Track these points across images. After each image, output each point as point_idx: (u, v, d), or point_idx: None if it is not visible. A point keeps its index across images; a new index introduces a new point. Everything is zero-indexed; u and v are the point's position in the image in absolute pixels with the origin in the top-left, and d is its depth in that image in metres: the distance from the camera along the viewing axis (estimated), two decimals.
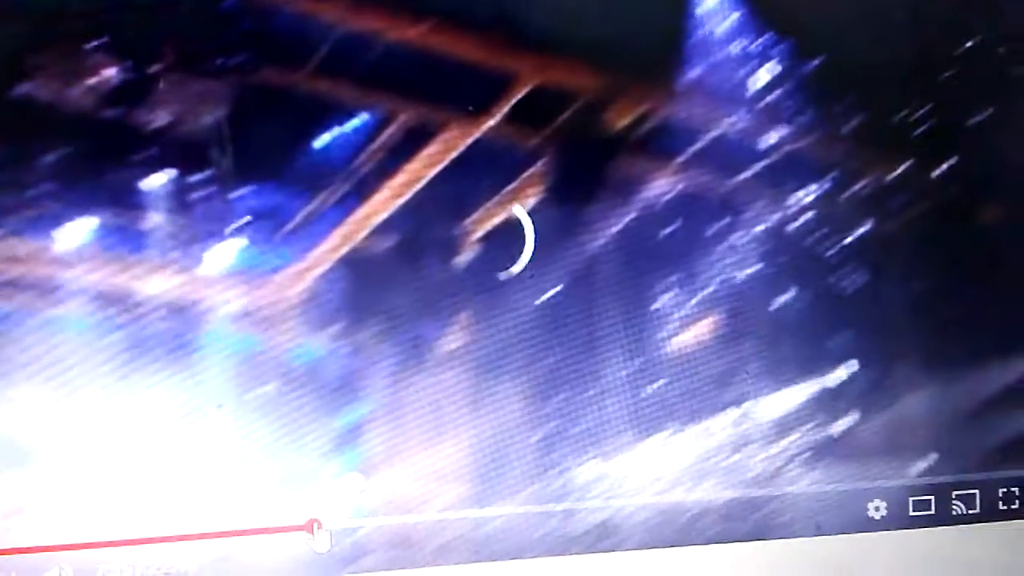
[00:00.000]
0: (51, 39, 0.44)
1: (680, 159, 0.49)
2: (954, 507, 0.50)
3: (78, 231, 0.45)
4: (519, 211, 0.47)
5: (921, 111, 0.50)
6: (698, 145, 0.49)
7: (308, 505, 0.46)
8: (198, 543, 0.46)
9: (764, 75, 0.49)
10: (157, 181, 0.45)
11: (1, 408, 0.44)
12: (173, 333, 0.45)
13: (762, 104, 0.49)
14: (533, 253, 0.48)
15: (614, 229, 0.48)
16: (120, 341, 0.45)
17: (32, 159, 0.44)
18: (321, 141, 0.46)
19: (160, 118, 0.45)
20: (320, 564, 0.46)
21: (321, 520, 0.46)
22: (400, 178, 0.47)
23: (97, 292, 0.45)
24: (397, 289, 0.47)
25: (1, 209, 0.44)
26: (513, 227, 0.48)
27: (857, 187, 0.50)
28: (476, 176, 0.48)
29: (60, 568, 0.45)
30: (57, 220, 0.44)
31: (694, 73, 0.49)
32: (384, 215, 0.47)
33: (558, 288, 0.48)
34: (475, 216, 0.48)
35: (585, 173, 0.48)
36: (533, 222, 0.48)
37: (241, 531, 0.46)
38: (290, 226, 0.46)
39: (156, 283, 0.45)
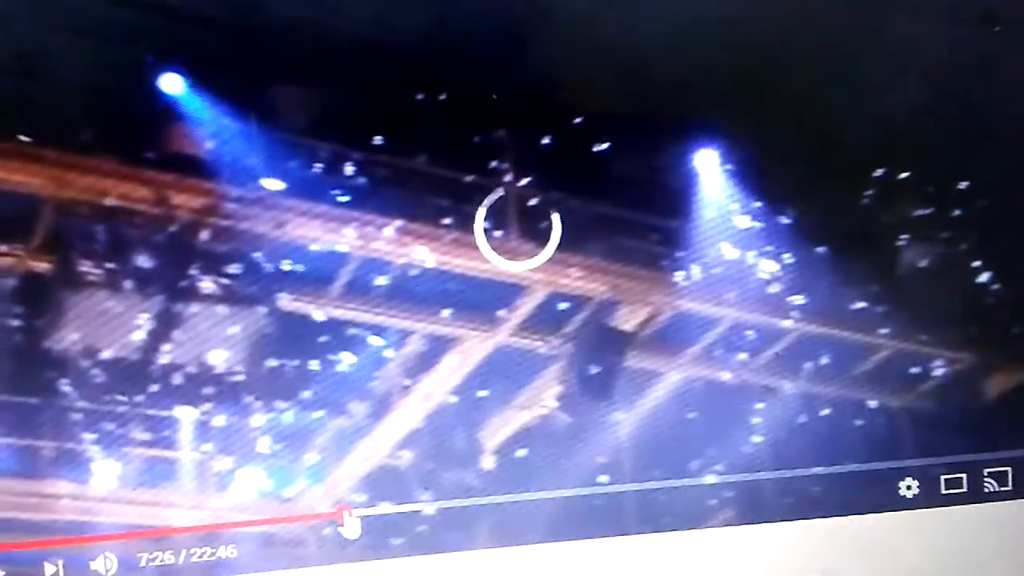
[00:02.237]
0: None
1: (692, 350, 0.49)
2: (986, 484, 0.50)
3: None
4: None
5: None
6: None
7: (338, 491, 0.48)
8: (238, 531, 0.47)
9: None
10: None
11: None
12: None
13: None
14: None
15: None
16: None
17: None
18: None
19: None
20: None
21: (351, 508, 0.48)
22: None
23: None
24: None
25: None
26: None
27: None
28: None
29: (105, 556, 0.47)
30: None
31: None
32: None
33: None
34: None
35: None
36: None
37: (275, 518, 0.47)
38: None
39: None
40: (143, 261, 0.46)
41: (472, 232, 0.48)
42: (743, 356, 0.50)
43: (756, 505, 0.50)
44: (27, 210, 0.45)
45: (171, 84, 0.46)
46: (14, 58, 0.45)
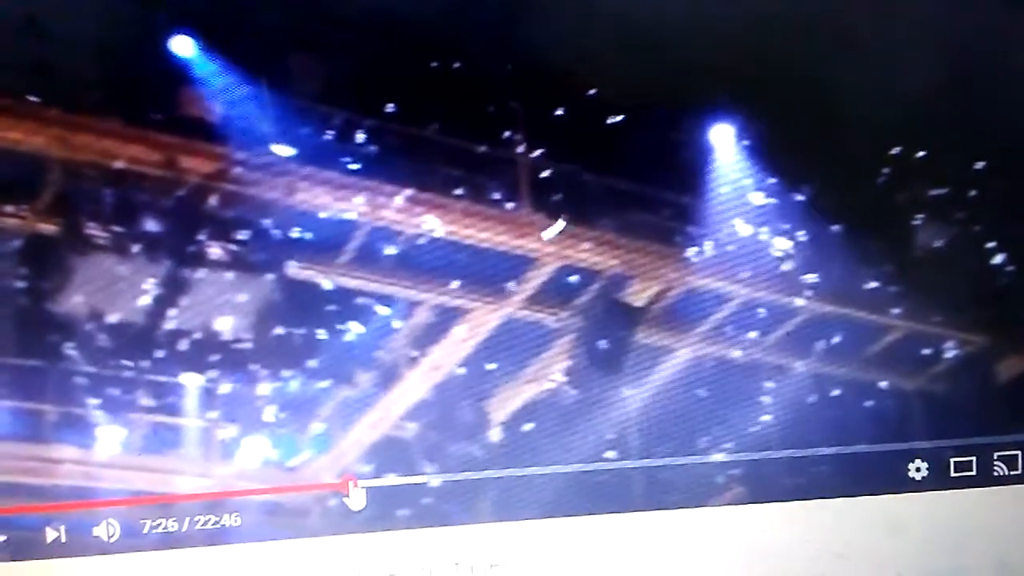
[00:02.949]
0: None
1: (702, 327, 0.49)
2: (996, 468, 0.49)
3: None
4: None
5: None
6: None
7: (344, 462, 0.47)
8: (243, 500, 0.47)
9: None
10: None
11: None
12: None
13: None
14: None
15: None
16: None
17: None
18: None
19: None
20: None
21: (356, 479, 0.47)
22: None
23: None
24: None
25: None
26: None
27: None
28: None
29: (108, 522, 0.46)
30: None
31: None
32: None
33: None
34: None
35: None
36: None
37: (280, 487, 0.47)
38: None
39: None
40: (150, 225, 0.46)
41: (483, 203, 0.47)
42: (754, 334, 0.49)
43: (765, 484, 0.49)
44: (35, 171, 0.45)
45: (182, 46, 0.45)
46: (24, 19, 0.44)
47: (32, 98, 0.44)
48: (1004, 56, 0.49)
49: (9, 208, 0.45)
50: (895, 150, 0.49)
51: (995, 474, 0.49)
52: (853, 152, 0.49)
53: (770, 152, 0.48)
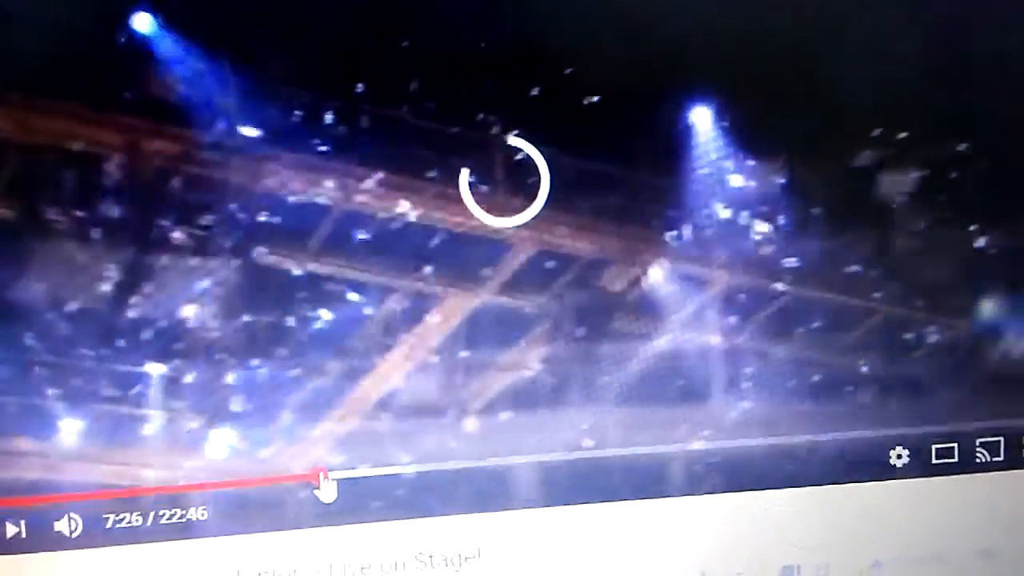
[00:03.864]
0: None
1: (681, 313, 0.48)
2: (978, 455, 0.49)
3: None
4: None
5: None
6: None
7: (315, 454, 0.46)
8: (209, 492, 0.46)
9: None
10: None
11: None
12: None
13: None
14: None
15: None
16: None
17: None
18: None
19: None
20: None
21: (327, 470, 0.46)
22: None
23: None
24: None
25: None
26: None
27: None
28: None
29: (70, 517, 0.45)
30: None
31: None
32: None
33: None
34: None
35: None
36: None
37: (248, 480, 0.46)
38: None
39: None
40: (110, 210, 0.44)
41: (457, 186, 0.46)
42: (732, 320, 0.48)
43: (743, 472, 0.48)
44: None
45: (142, 24, 0.43)
46: None
47: None
48: (986, 35, 0.49)
49: None
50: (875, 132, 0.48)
51: (977, 461, 0.49)
52: (834, 133, 0.48)
53: (750, 134, 0.47)
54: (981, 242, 0.49)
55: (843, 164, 0.48)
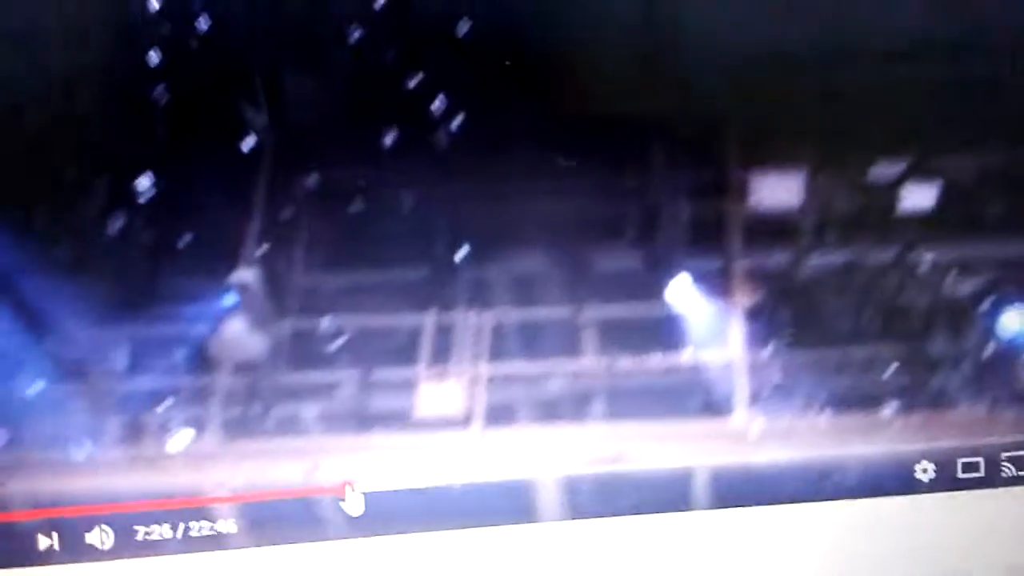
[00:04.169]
0: None
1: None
2: (1004, 469, 0.49)
3: None
4: None
5: None
6: None
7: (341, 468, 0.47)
8: (236, 506, 0.46)
9: None
10: None
11: None
12: None
13: None
14: None
15: None
16: None
17: None
18: None
19: None
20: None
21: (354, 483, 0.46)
22: None
23: None
24: None
25: None
26: None
27: None
28: None
29: (100, 528, 0.45)
30: None
31: None
32: None
33: None
34: None
35: None
36: None
37: (277, 492, 0.46)
38: None
39: None
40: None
41: None
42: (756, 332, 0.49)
43: (766, 486, 0.48)
44: None
45: None
46: None
47: None
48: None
49: None
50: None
51: (1003, 475, 0.49)
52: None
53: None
54: (1004, 254, 0.49)
55: (862, 180, 0.48)
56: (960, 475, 0.49)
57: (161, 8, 0.44)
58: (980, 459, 0.49)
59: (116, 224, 0.45)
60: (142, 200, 0.45)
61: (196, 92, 0.45)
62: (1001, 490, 0.49)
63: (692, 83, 0.47)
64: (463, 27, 0.45)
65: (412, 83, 0.46)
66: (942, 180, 0.48)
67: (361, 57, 0.46)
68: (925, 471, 0.49)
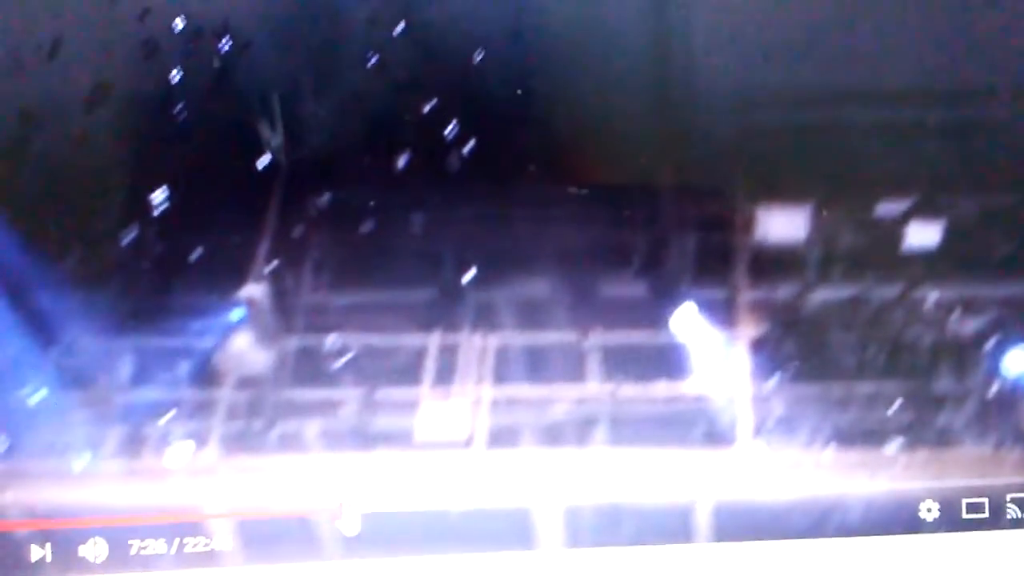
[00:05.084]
0: None
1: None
2: (1008, 510, 0.48)
3: None
4: None
5: None
6: None
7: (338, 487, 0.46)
8: (232, 521, 0.46)
9: None
10: None
11: None
12: None
13: None
14: None
15: None
16: None
17: None
18: None
19: None
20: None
21: (349, 503, 0.46)
22: None
23: None
24: None
25: None
26: None
27: None
28: None
29: (95, 541, 0.45)
30: None
31: None
32: None
33: None
34: None
35: None
36: None
37: (273, 510, 0.46)
38: None
39: None
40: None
41: None
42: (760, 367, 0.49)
43: (769, 521, 0.48)
44: None
45: None
46: None
47: None
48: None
49: None
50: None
51: (1008, 517, 0.48)
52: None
53: None
54: (1010, 293, 0.49)
55: (868, 217, 0.49)
56: (965, 516, 0.48)
57: (184, 28, 0.46)
58: (985, 500, 0.48)
59: (128, 236, 0.46)
60: (155, 213, 0.46)
61: (214, 111, 0.46)
62: (1006, 532, 0.48)
63: (702, 117, 0.48)
64: (477, 56, 0.46)
65: (426, 108, 0.46)
66: (947, 219, 0.49)
67: (377, 82, 0.47)
68: (929, 511, 0.48)
